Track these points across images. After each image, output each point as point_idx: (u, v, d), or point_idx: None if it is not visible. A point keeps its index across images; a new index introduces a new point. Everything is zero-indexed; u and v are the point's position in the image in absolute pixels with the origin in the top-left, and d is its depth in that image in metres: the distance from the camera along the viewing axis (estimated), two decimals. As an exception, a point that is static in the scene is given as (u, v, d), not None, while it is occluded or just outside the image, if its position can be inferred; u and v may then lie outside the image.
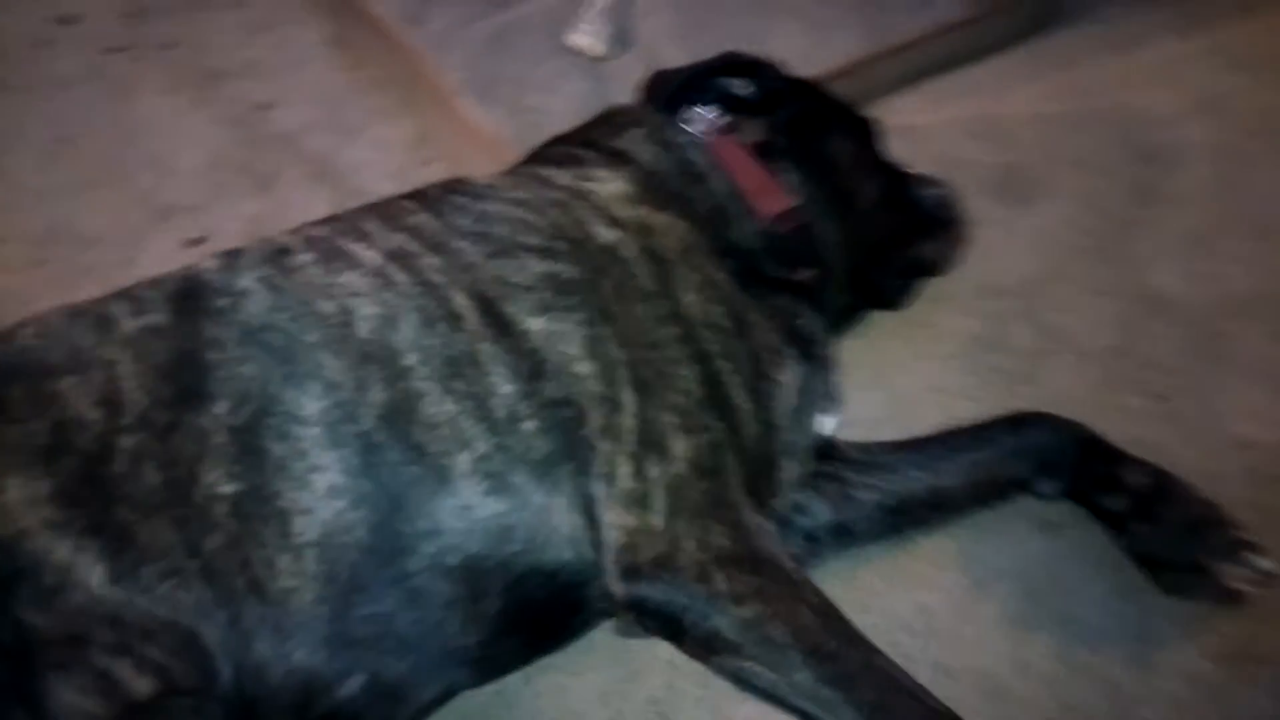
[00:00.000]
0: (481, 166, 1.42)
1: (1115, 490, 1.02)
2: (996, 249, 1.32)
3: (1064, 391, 1.18)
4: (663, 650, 0.93)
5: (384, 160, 1.49)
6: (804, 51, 1.39)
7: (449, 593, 0.83)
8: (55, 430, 0.79)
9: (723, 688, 0.86)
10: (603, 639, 0.97)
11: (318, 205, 1.42)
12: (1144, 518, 1.00)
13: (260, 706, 0.79)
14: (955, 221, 1.21)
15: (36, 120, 1.55)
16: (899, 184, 1.18)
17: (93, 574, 0.76)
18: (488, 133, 1.40)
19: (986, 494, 1.07)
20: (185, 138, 1.52)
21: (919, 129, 1.45)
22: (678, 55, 1.42)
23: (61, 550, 0.76)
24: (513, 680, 0.97)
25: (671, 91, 1.14)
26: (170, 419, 0.80)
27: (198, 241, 1.39)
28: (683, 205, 1.01)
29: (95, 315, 0.86)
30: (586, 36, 1.47)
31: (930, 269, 1.22)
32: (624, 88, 1.40)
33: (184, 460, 0.79)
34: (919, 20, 1.55)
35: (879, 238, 1.15)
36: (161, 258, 1.37)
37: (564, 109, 1.37)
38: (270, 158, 1.50)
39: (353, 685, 0.82)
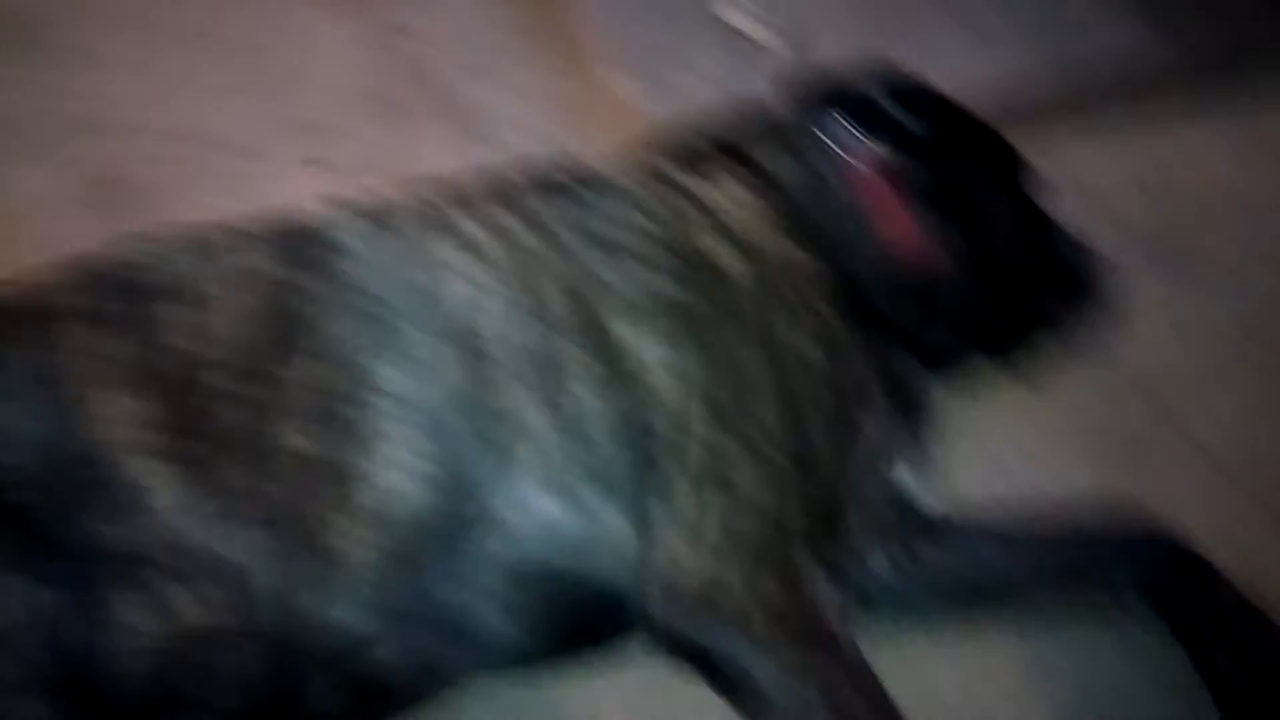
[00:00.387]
0: (608, 134, 1.40)
1: (1209, 620, 0.96)
2: (1136, 323, 1.21)
3: (1177, 495, 1.09)
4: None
5: (513, 108, 1.46)
6: (966, 61, 1.31)
7: (494, 582, 0.84)
8: (146, 352, 0.81)
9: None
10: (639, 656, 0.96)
11: (441, 143, 1.41)
12: (1232, 649, 0.94)
13: (296, 656, 0.81)
14: (1092, 281, 1.13)
15: (185, 16, 1.56)
16: (1039, 229, 1.10)
17: (163, 499, 0.78)
18: (622, 100, 1.36)
19: (1065, 590, 1.02)
20: (322, 53, 1.52)
21: (1071, 165, 1.34)
22: (835, 46, 1.35)
23: (137, 469, 0.79)
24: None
25: (820, 100, 1.08)
26: (254, 365, 0.82)
27: (317, 161, 1.39)
28: (805, 230, 0.97)
29: (200, 244, 0.88)
30: (744, 14, 1.41)
31: (1055, 328, 1.15)
32: (773, 77, 1.35)
33: (261, 407, 0.81)
34: (1090, 41, 1.42)
35: (1007, 287, 1.08)
36: (286, 174, 1.38)
37: (705, 90, 1.32)
38: (401, 86, 1.49)
39: (387, 652, 0.83)
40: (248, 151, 1.40)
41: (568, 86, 1.48)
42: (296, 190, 1.34)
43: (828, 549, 0.91)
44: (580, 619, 0.88)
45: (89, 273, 0.86)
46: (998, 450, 1.14)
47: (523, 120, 1.44)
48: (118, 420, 0.79)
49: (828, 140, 1.02)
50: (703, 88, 1.31)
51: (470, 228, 0.90)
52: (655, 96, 1.33)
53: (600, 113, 1.40)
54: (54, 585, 0.77)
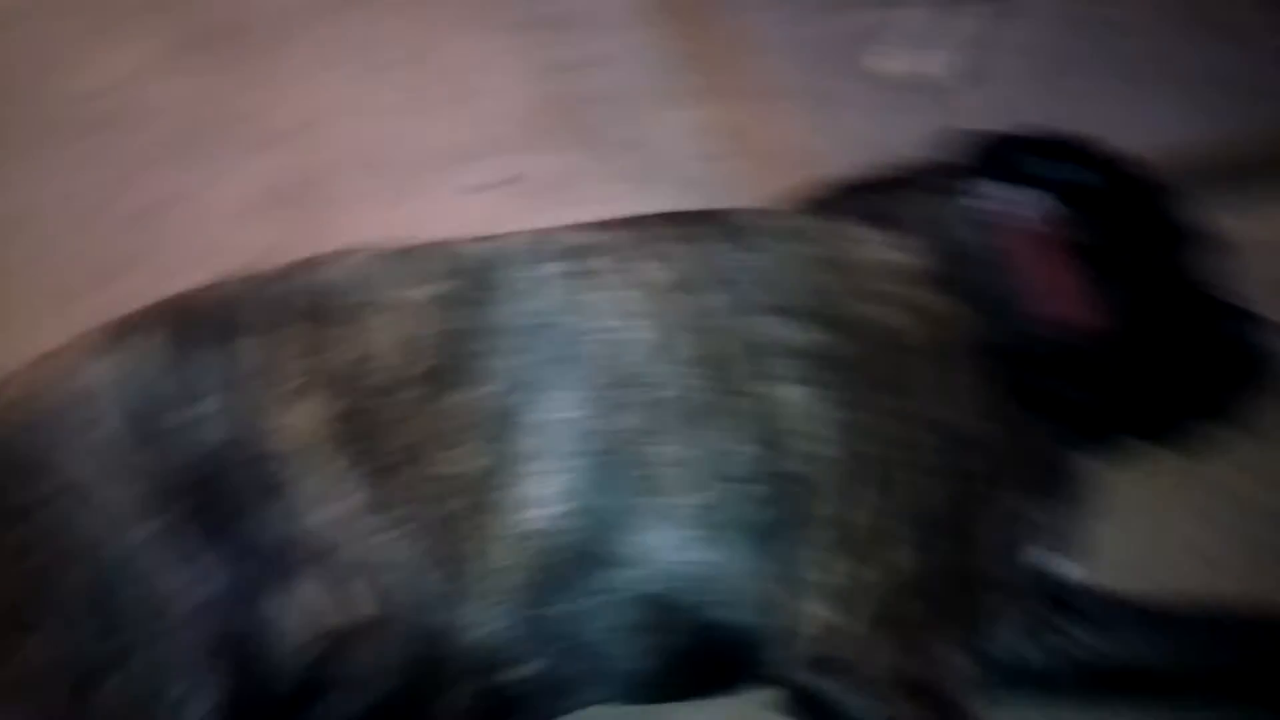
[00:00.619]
0: (776, 176, 1.40)
1: None
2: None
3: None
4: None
5: (688, 142, 1.49)
6: (1165, 126, 1.25)
7: (640, 618, 0.87)
8: (354, 362, 0.87)
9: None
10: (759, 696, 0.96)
11: (614, 176, 1.45)
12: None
13: (439, 665, 0.86)
14: (1264, 367, 1.06)
15: (370, 37, 1.67)
16: (1212, 308, 1.04)
17: (351, 499, 0.85)
18: (793, 144, 1.36)
19: (1215, 694, 0.95)
20: (498, 81, 1.59)
21: (1250, 243, 1.25)
22: (1031, 103, 1.31)
23: (333, 469, 0.85)
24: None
25: (1001, 158, 1.06)
26: (447, 384, 0.87)
27: (497, 186, 1.45)
28: (972, 294, 0.95)
29: (415, 263, 0.94)
30: (937, 61, 1.39)
31: (1223, 414, 1.08)
32: (966, 126, 1.32)
33: (447, 426, 0.86)
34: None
35: (1169, 356, 1.02)
36: (466, 194, 1.44)
37: (884, 139, 1.30)
38: (578, 115, 1.54)
39: (528, 671, 0.87)
40: (434, 171, 1.48)
41: (743, 126, 1.50)
42: (467, 214, 1.42)
43: (971, 630, 0.89)
44: (714, 664, 0.89)
45: (275, 289, 0.92)
46: (1149, 531, 1.09)
47: (696, 157, 1.47)
48: (297, 432, 0.85)
49: (986, 196, 1.00)
50: (886, 139, 1.30)
51: (661, 277, 0.92)
52: (832, 143, 1.32)
53: (771, 155, 1.41)
54: (230, 574, 0.83)
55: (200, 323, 0.90)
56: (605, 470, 0.85)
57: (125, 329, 0.90)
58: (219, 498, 0.84)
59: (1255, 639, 0.96)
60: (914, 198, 1.00)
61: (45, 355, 0.90)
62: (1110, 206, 1.02)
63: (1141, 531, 1.08)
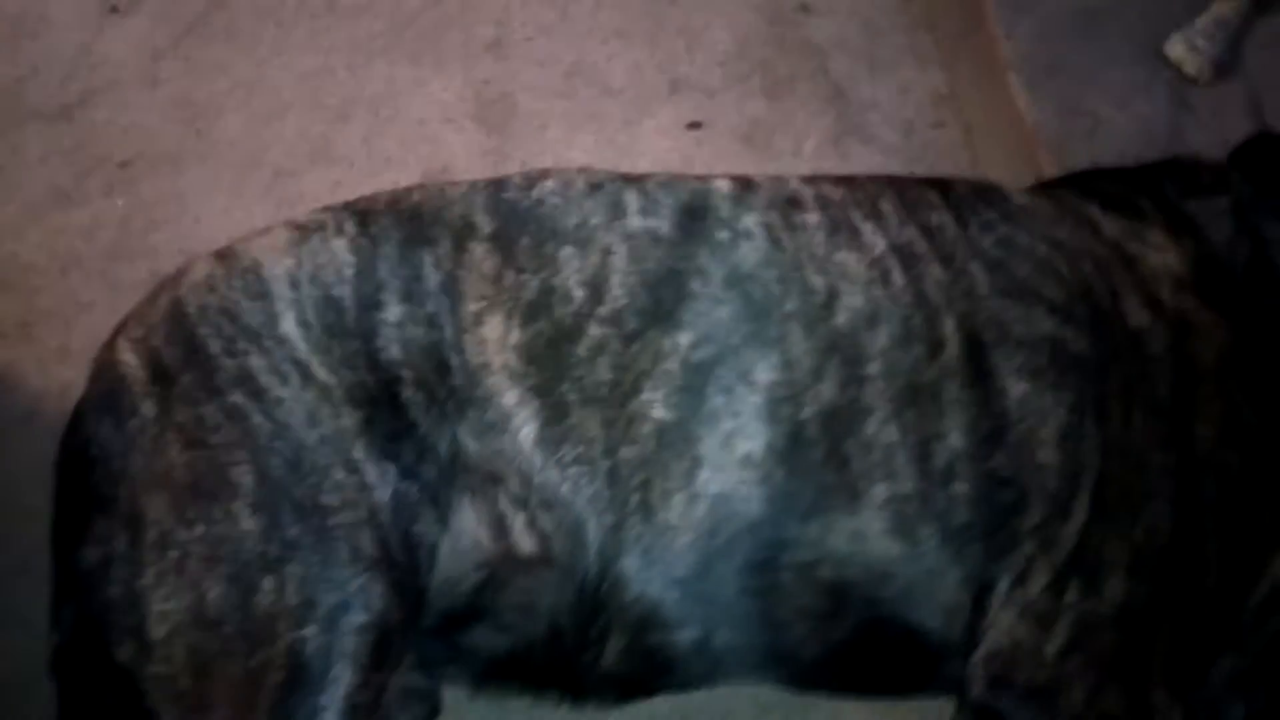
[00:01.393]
0: (999, 156, 1.29)
1: None
2: None
3: None
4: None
5: (897, 106, 1.40)
6: None
7: (807, 602, 0.81)
8: (543, 290, 0.83)
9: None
10: (923, 707, 0.90)
11: (817, 131, 1.37)
12: None
13: (601, 615, 0.82)
14: None
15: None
16: None
17: (525, 429, 0.81)
18: (1023, 121, 1.25)
19: None
20: (720, 17, 1.52)
21: None
22: (1287, 105, 1.18)
23: (510, 396, 0.82)
24: (816, 698, 0.93)
25: (1275, 163, 0.93)
26: (638, 327, 0.82)
27: (695, 125, 1.40)
28: (1238, 309, 0.84)
29: (610, 197, 0.88)
30: (1186, 48, 1.25)
31: None
32: (1207, 127, 1.19)
33: (634, 370, 0.81)
34: None
35: None
36: (659, 130, 1.40)
37: (1127, 126, 1.18)
38: (791, 64, 1.46)
39: (686, 635, 0.82)
40: (629, 103, 1.43)
41: (967, 96, 1.39)
42: (671, 150, 1.37)
43: (1190, 685, 0.79)
44: (881, 661, 0.83)
45: (503, 200, 0.88)
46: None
47: (908, 121, 1.37)
48: (504, 348, 0.82)
49: (1270, 204, 0.88)
50: (1129, 128, 1.18)
51: (878, 242, 0.84)
52: (1067, 127, 1.21)
53: (996, 131, 1.30)
54: (418, 481, 0.81)
55: (383, 233, 0.86)
56: (794, 442, 0.79)
57: (306, 230, 0.88)
58: (395, 409, 0.82)
59: None
60: (1191, 198, 0.89)
61: (227, 247, 0.89)
62: None
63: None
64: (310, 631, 0.76)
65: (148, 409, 0.80)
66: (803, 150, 1.35)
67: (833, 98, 1.41)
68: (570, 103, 1.44)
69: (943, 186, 0.91)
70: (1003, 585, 0.78)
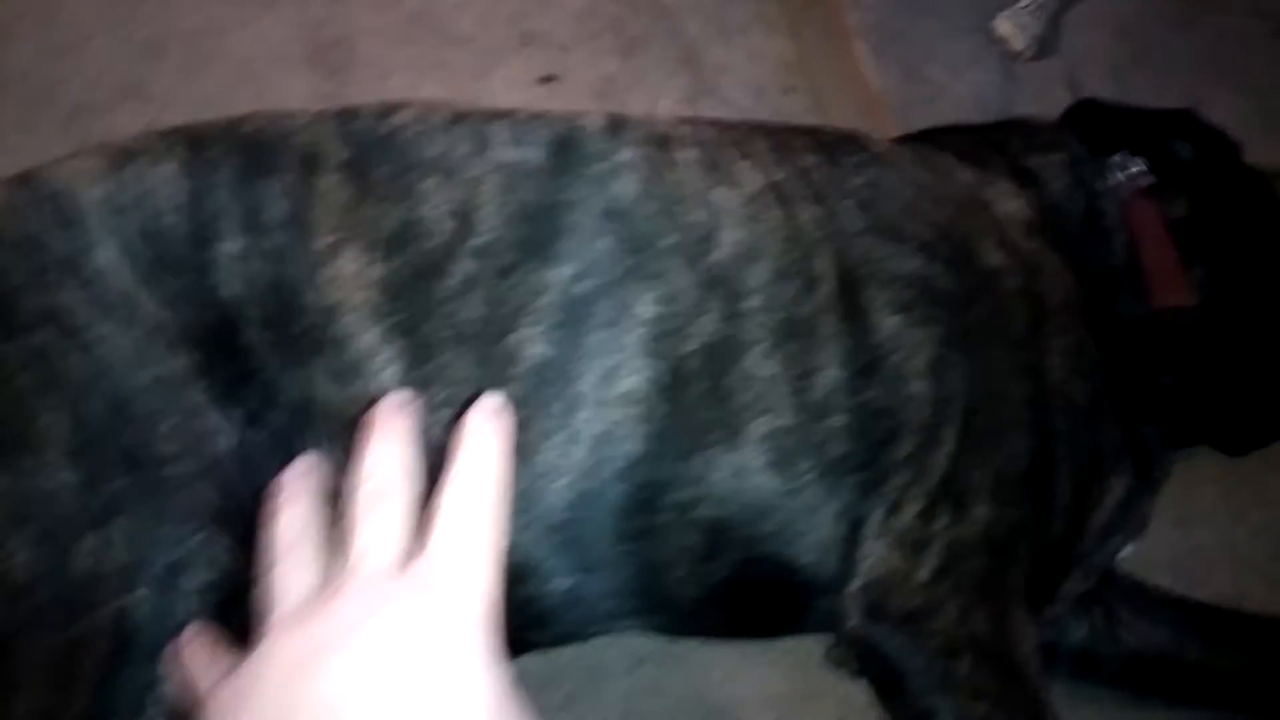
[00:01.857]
0: (848, 119, 1.33)
1: None
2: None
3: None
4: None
5: (748, 70, 1.41)
6: (1241, 135, 1.21)
7: (685, 541, 0.78)
8: (405, 223, 0.77)
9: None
10: (796, 647, 0.90)
11: (671, 91, 1.37)
12: None
13: None
14: None
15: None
16: None
17: (389, 370, 0.75)
18: (869, 87, 1.29)
19: (1255, 700, 0.93)
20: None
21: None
22: (1100, 84, 1.27)
23: (370, 336, 0.75)
24: (689, 645, 0.92)
25: (1102, 125, 1.00)
26: (512, 261, 0.77)
27: (547, 80, 1.36)
28: (1076, 256, 0.89)
29: (475, 128, 0.83)
30: (1012, 26, 1.33)
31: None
32: (1032, 96, 1.27)
33: (509, 305, 0.76)
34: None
35: (1260, 375, 0.99)
36: (509, 83, 1.36)
37: (963, 94, 1.25)
38: (642, 24, 1.44)
39: (559, 585, 0.79)
40: (479, 53, 1.38)
41: (813, 63, 1.42)
42: (522, 103, 1.32)
43: (1043, 602, 0.84)
44: (758, 600, 0.83)
45: (356, 129, 0.81)
46: (1198, 534, 1.06)
47: (758, 86, 1.39)
48: (361, 284, 0.75)
49: (1100, 160, 0.94)
50: (964, 94, 1.24)
51: (751, 179, 0.83)
52: (910, 92, 1.26)
53: (842, 96, 1.34)
54: (265, 429, 0.74)
55: (219, 159, 0.78)
56: (676, 378, 0.77)
57: (127, 154, 0.78)
58: (237, 350, 0.74)
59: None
60: (1030, 152, 0.93)
61: (30, 170, 0.78)
62: (1202, 180, 0.96)
63: (1188, 530, 1.06)
64: (142, 594, 0.67)
65: None
66: (656, 109, 1.34)
67: (685, 59, 1.41)
68: (415, 50, 1.36)
69: (811, 132, 0.92)
70: (876, 516, 0.78)
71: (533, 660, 0.87)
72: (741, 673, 0.97)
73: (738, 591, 0.81)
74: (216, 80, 1.30)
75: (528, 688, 0.52)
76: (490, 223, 0.78)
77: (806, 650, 0.93)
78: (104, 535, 0.67)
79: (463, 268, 0.77)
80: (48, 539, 0.66)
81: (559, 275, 0.77)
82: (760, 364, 0.78)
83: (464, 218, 0.77)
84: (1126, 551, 0.92)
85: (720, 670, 0.97)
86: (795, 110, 1.36)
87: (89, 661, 0.65)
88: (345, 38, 1.36)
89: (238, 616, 0.70)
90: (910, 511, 0.78)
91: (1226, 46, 1.37)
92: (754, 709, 0.94)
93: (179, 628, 0.66)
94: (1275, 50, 1.40)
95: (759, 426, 0.77)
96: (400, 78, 1.33)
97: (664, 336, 0.77)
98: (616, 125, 0.85)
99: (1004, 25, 1.34)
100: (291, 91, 1.29)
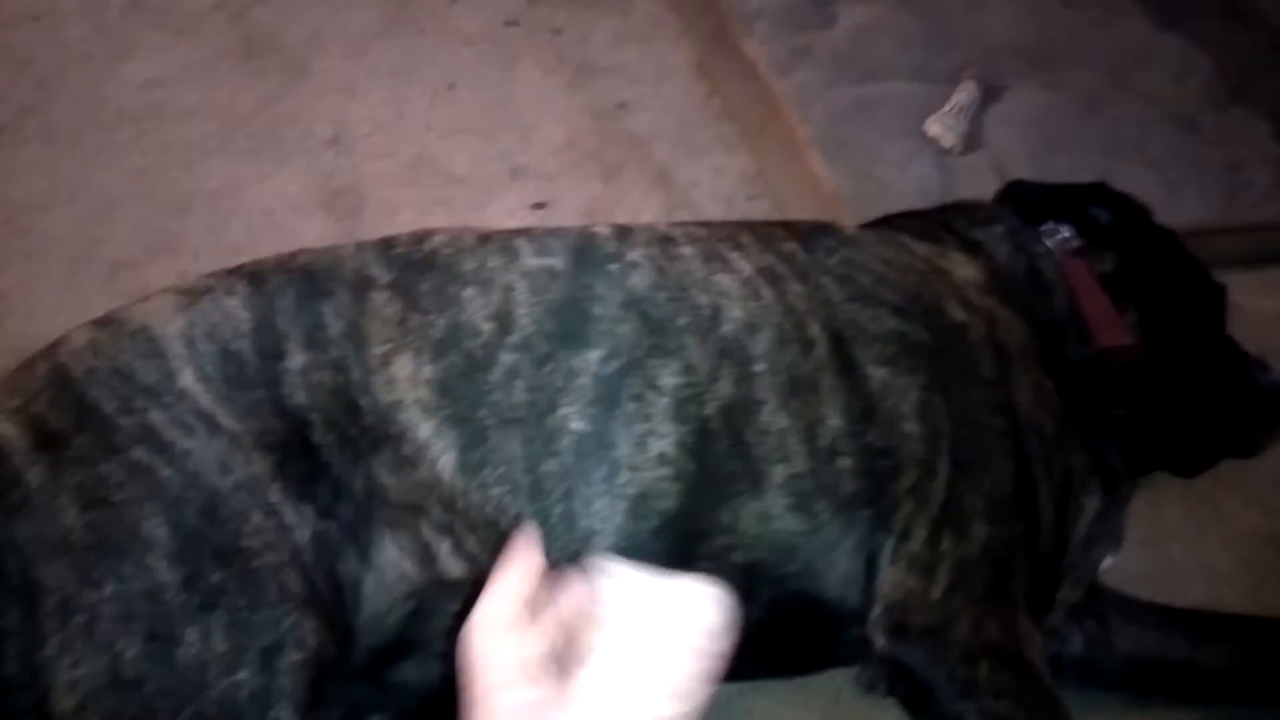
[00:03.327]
0: (805, 216, 1.49)
1: None
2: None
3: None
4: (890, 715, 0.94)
5: (715, 184, 1.59)
6: (1149, 203, 1.39)
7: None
8: (450, 328, 0.89)
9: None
10: (825, 685, 0.99)
11: (651, 207, 1.53)
12: None
13: None
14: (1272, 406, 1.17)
15: (435, 65, 1.74)
16: (1234, 357, 1.15)
17: (444, 458, 0.85)
18: (825, 188, 1.46)
19: (1243, 690, 1.03)
20: (550, 114, 1.67)
21: (1250, 312, 1.41)
22: (1022, 168, 1.45)
23: (425, 429, 0.85)
24: (726, 692, 1.00)
25: (1031, 201, 1.17)
26: (548, 350, 0.89)
27: (540, 206, 1.52)
28: (1025, 310, 1.03)
29: (502, 244, 0.96)
30: (941, 128, 1.52)
31: (1241, 450, 1.18)
32: (966, 184, 1.45)
33: (549, 389, 0.87)
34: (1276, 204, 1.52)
35: (1199, 403, 1.13)
36: (506, 212, 1.51)
37: (907, 188, 1.42)
38: (618, 152, 1.62)
39: None
40: (475, 188, 1.54)
41: (773, 172, 1.60)
42: (520, 227, 1.46)
43: (1042, 612, 0.93)
44: (796, 637, 0.92)
45: (397, 254, 0.93)
46: (1169, 549, 1.17)
47: (726, 197, 1.56)
48: (416, 384, 0.86)
49: (1034, 229, 1.09)
50: (908, 188, 1.41)
51: (744, 265, 0.97)
52: (861, 189, 1.43)
53: (802, 198, 1.51)
54: (336, 520, 0.83)
55: (278, 289, 0.88)
56: (702, 436, 0.88)
57: (196, 292, 0.89)
58: (306, 452, 0.83)
59: (1260, 639, 1.04)
60: (973, 227, 1.08)
61: (113, 312, 0.89)
62: (1147, 253, 1.12)
63: (1159, 546, 1.18)
64: (244, 675, 0.75)
65: (34, 476, 0.77)
66: (639, 223, 1.49)
67: (658, 179, 1.58)
68: (417, 190, 1.51)
69: (787, 225, 1.07)
70: (889, 545, 0.89)
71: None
72: (779, 717, 1.03)
73: (772, 630, 0.90)
74: (241, 231, 1.43)
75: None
76: (525, 321, 0.90)
77: (836, 689, 1.01)
78: (206, 625, 0.75)
79: (504, 361, 0.88)
80: (154, 635, 0.74)
81: (589, 359, 0.89)
82: (773, 418, 0.90)
83: (502, 319, 0.89)
84: (1107, 564, 1.04)
85: (759, 717, 1.04)
86: (760, 214, 1.52)
87: None
88: (353, 184, 1.51)
89: (324, 693, 0.79)
90: (918, 538, 0.89)
91: (1126, 130, 1.59)
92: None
93: (280, 703, 0.74)
94: (1168, 131, 1.61)
95: (778, 474, 0.88)
96: (407, 214, 1.47)
97: (687, 402, 0.89)
98: (623, 231, 1.00)
99: (934, 127, 1.53)
100: (310, 235, 1.42)
